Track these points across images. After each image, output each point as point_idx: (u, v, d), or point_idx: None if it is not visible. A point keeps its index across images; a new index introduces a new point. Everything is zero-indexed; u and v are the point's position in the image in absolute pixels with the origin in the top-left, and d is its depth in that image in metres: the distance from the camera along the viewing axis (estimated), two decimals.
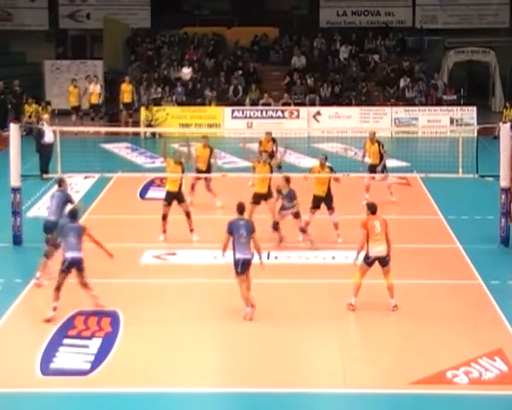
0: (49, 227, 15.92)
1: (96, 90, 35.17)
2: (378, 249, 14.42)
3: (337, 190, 20.90)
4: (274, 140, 23.33)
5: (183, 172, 18.84)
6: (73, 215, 14.89)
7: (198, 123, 33.78)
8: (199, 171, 21.00)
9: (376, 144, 21.69)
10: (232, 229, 14.20)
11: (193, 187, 21.47)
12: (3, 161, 19.91)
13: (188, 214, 18.45)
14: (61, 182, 16.62)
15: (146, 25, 41.03)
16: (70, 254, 14.30)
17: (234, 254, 14.20)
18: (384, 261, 14.46)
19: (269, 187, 18.72)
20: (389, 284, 14.55)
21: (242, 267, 14.14)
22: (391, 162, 27.15)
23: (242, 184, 22.02)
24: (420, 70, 37.34)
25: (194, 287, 15.75)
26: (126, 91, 34.29)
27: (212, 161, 21.50)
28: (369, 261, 14.50)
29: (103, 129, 31.63)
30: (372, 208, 14.75)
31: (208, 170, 21.15)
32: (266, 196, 18.69)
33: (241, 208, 14.49)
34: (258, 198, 18.67)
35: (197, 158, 21.04)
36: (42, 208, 21.44)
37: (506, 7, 40.19)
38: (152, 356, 12.78)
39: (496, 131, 25.11)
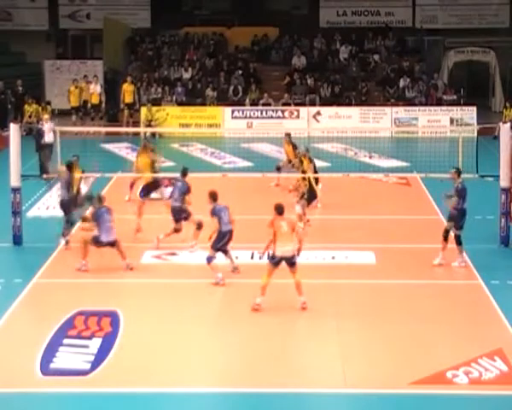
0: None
1: (96, 91, 35.17)
2: (284, 249, 14.41)
3: (337, 190, 20.96)
4: (294, 145, 23.02)
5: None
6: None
7: (198, 123, 33.80)
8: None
9: (291, 145, 22.50)
10: (97, 216, 16.38)
11: (132, 185, 21.50)
12: (3, 161, 19.91)
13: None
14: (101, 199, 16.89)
15: (146, 25, 41.02)
16: None
17: (100, 237, 16.33)
18: (291, 262, 14.49)
19: None
20: (297, 282, 14.54)
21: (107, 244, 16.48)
22: (391, 162, 27.26)
23: (242, 184, 22.05)
24: (420, 70, 37.34)
25: (194, 287, 15.75)
26: (128, 91, 34.26)
27: (157, 165, 21.08)
28: (274, 261, 14.47)
29: (103, 129, 31.63)
30: (279, 209, 14.59)
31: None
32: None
33: (100, 199, 16.68)
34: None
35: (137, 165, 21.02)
36: (42, 208, 21.46)
37: (506, 7, 40.17)
38: (152, 356, 12.78)
39: (496, 131, 25.10)
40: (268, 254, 14.73)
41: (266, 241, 14.63)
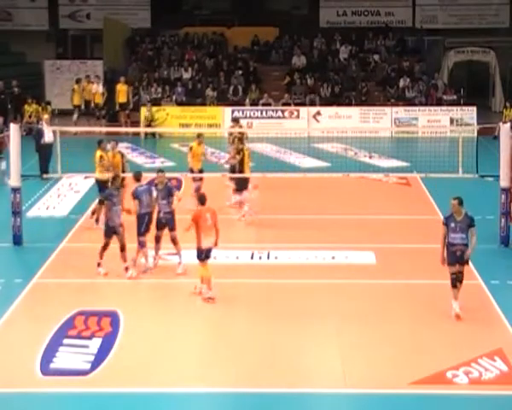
0: None
1: (98, 90, 35.15)
2: (209, 242, 14.58)
3: (337, 190, 20.94)
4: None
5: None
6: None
7: (198, 123, 33.78)
8: (198, 171, 20.66)
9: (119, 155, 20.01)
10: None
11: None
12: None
13: None
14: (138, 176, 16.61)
15: (146, 25, 41.03)
16: None
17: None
18: (210, 253, 14.66)
19: None
20: (208, 277, 14.71)
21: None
22: (391, 162, 27.24)
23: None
24: (420, 70, 37.35)
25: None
26: (121, 91, 34.26)
27: (202, 158, 21.11)
28: (203, 256, 14.61)
29: (103, 129, 31.59)
30: (202, 200, 14.72)
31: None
32: None
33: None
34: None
35: (193, 157, 20.74)
36: (42, 208, 21.46)
37: (506, 7, 40.18)
38: (152, 356, 12.78)
39: (496, 131, 25.10)
40: (199, 251, 14.65)
41: (193, 238, 14.63)
